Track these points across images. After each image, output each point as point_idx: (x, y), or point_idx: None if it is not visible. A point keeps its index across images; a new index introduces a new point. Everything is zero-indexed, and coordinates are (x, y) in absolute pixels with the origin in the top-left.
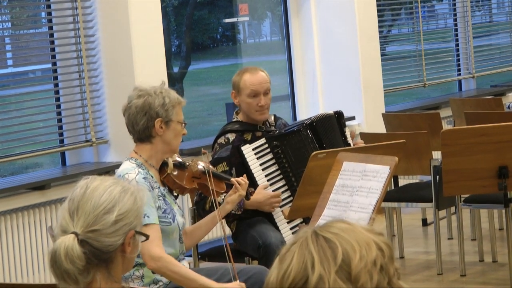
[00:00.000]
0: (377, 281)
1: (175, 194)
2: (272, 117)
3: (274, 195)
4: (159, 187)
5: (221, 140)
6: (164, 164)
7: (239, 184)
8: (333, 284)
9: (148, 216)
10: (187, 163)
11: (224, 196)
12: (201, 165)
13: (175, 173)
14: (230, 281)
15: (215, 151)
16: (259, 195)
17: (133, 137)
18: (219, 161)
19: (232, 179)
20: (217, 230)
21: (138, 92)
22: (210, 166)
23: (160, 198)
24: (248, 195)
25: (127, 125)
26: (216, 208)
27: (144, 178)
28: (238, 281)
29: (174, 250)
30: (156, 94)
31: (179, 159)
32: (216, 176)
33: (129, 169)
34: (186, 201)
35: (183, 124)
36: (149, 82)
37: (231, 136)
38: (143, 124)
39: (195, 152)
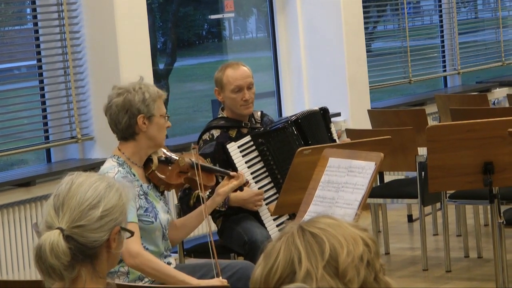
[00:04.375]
0: (364, 276)
1: (161, 190)
2: (259, 113)
3: (258, 193)
4: (141, 185)
5: (206, 136)
6: (149, 161)
7: (234, 177)
8: (320, 279)
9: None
10: (174, 158)
11: (210, 192)
12: (189, 158)
13: (160, 169)
14: (214, 277)
15: (200, 147)
16: (244, 193)
17: (117, 136)
18: (204, 157)
19: (233, 173)
20: (203, 227)
21: (117, 90)
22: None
23: (141, 196)
24: (242, 187)
25: (110, 124)
26: (203, 202)
27: (123, 177)
28: (220, 277)
29: (157, 248)
30: (135, 91)
31: (167, 154)
32: (208, 170)
33: (109, 167)
34: (172, 198)
35: (166, 117)
36: (134, 78)
37: (216, 132)
38: (126, 122)
39: (181, 149)
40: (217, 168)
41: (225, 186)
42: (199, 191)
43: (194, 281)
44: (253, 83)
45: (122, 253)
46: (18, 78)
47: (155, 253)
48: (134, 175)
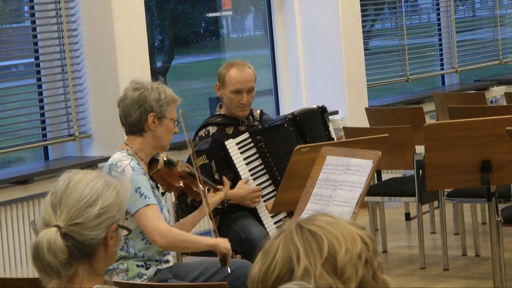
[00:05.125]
0: (362, 274)
1: (162, 191)
2: (258, 111)
3: (255, 190)
4: (149, 179)
5: (202, 132)
6: (154, 161)
7: (219, 189)
8: (319, 277)
9: (148, 197)
10: (175, 162)
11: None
12: (186, 166)
13: (164, 170)
14: (213, 275)
15: (195, 144)
16: (240, 189)
17: (125, 129)
18: (199, 153)
19: (223, 186)
20: (200, 225)
21: (135, 85)
22: (196, 169)
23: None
24: (224, 203)
25: (120, 116)
26: (208, 207)
27: (138, 164)
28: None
29: None
30: (152, 89)
31: (169, 158)
32: (195, 177)
33: (121, 157)
34: (169, 196)
35: (176, 122)
36: (132, 76)
37: (212, 129)
38: (136, 117)
39: (178, 147)
40: (208, 181)
41: (213, 197)
42: (194, 197)
43: (211, 240)
44: (254, 87)
45: (152, 234)
46: (15, 76)
47: (157, 249)
48: (142, 168)
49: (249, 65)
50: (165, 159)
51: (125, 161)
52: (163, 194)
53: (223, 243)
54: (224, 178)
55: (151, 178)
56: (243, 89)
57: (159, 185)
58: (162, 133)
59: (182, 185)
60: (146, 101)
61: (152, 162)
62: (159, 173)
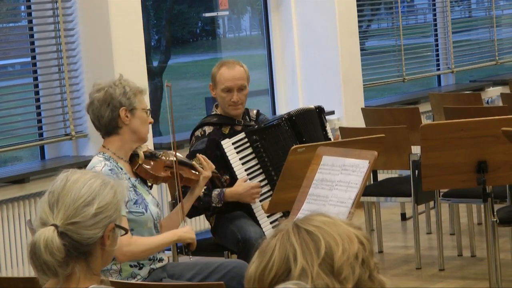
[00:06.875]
0: (358, 274)
1: (150, 184)
2: (255, 111)
3: (254, 186)
4: (129, 178)
5: (198, 132)
6: (135, 155)
7: (203, 167)
8: (316, 277)
9: None
10: (158, 153)
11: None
12: (172, 154)
13: (147, 163)
14: (209, 275)
15: (192, 143)
16: (239, 187)
17: (101, 132)
18: (195, 153)
19: (194, 163)
20: (196, 225)
21: (97, 86)
22: (178, 154)
23: (130, 189)
24: (222, 183)
25: (93, 120)
26: (179, 194)
27: (110, 170)
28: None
29: None
30: (116, 85)
31: (151, 150)
32: (183, 164)
33: (96, 163)
34: (166, 195)
35: (148, 112)
36: (128, 76)
37: (208, 129)
38: (108, 115)
39: (176, 146)
40: (189, 161)
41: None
42: (191, 182)
43: (177, 232)
44: (245, 85)
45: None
46: (12, 75)
47: None
48: (121, 169)
49: (240, 64)
50: (147, 151)
51: (98, 168)
52: (150, 187)
53: (188, 234)
54: (207, 161)
55: (135, 174)
56: (233, 87)
57: (146, 180)
58: (137, 125)
59: (169, 175)
60: (113, 98)
61: (133, 158)
62: (142, 168)
